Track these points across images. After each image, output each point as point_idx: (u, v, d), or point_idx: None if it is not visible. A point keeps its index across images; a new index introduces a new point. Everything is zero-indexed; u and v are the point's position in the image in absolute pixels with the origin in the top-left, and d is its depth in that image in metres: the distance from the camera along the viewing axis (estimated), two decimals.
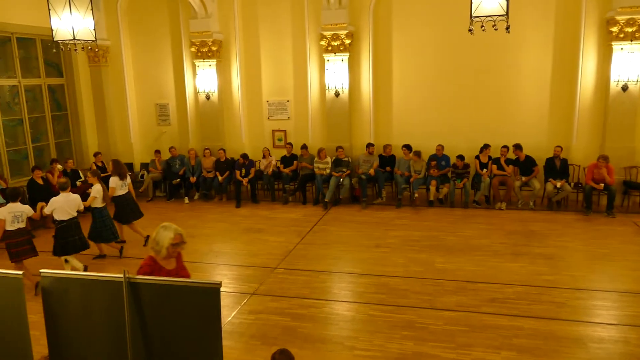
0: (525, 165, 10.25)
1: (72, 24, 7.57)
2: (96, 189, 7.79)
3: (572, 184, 10.21)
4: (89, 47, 8.29)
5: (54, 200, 7.07)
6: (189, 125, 12.60)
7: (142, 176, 12.21)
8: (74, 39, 7.65)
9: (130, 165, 12.69)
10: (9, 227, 6.71)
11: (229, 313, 6.00)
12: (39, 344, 3.64)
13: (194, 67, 12.07)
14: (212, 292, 2.92)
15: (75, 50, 8.35)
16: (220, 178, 11.43)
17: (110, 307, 3.07)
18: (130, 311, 2.99)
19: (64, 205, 7.10)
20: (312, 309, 6.09)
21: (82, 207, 7.39)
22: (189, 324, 3.00)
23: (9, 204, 6.82)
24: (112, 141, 12.86)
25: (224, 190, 11.58)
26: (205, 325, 2.95)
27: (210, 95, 11.99)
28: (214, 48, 11.71)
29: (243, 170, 11.31)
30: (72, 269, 7.07)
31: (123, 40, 12.55)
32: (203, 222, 10.01)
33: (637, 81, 9.80)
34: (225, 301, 6.36)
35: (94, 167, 11.54)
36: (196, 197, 11.80)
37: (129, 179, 8.65)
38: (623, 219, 9.32)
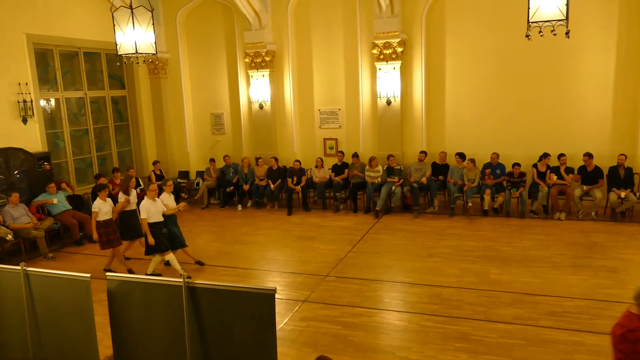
0: (592, 175, 9.80)
1: (134, 38, 7.95)
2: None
3: (638, 194, 9.67)
4: (150, 60, 8.68)
5: (145, 205, 7.51)
6: (243, 134, 12.91)
7: (198, 184, 12.59)
8: (136, 52, 8.03)
9: (186, 173, 13.15)
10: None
11: (281, 320, 6.07)
12: (102, 345, 3.83)
13: (247, 77, 12.37)
14: (267, 298, 2.99)
15: (137, 63, 8.76)
16: (272, 186, 11.63)
17: (170, 310, 3.20)
18: (189, 314, 3.11)
19: (152, 209, 7.52)
20: (363, 317, 6.07)
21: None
22: (245, 329, 3.08)
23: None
24: (170, 150, 13.37)
25: (276, 198, 11.77)
26: (260, 330, 3.02)
27: (263, 104, 12.25)
28: (267, 58, 11.97)
29: (295, 178, 11.46)
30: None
31: (181, 52, 13.05)
32: (255, 230, 10.19)
33: None
34: (277, 308, 6.39)
35: (153, 175, 12.05)
36: (249, 204, 12.05)
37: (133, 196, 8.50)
38: None
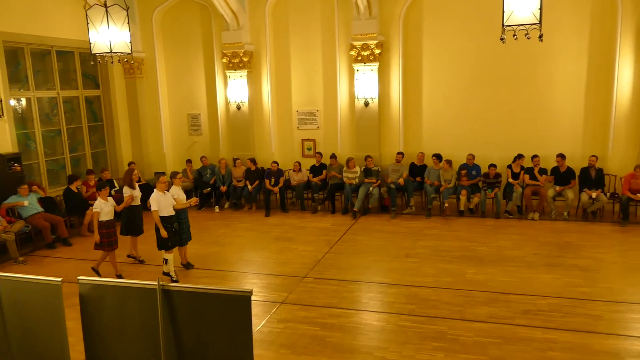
0: (564, 175, 10.02)
1: (109, 37, 7.83)
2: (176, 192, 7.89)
3: (608, 194, 9.93)
4: (125, 60, 8.57)
5: (155, 197, 7.29)
6: (220, 135, 12.81)
7: None
8: (111, 51, 7.90)
9: (162, 175, 12.97)
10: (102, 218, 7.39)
11: (259, 322, 6.04)
12: (74, 350, 3.75)
13: (225, 77, 12.29)
14: (243, 300, 2.96)
15: (112, 62, 8.62)
16: (250, 187, 11.56)
17: (144, 314, 3.15)
18: (164, 318, 3.06)
19: (163, 201, 7.32)
20: (341, 318, 6.08)
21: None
22: (220, 332, 3.05)
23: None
24: (146, 151, 13.18)
25: (253, 199, 11.70)
26: (236, 332, 2.99)
27: (241, 105, 12.18)
28: (245, 59, 11.90)
29: (273, 180, 11.42)
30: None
31: (157, 52, 12.89)
32: (233, 231, 10.12)
33: None
34: (254, 310, 6.40)
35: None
36: (226, 206, 11.96)
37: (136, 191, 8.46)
38: None
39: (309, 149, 12.30)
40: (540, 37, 6.62)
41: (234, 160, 12.04)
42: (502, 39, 6.72)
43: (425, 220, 10.34)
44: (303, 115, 12.26)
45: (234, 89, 12.13)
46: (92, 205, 9.99)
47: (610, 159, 10.31)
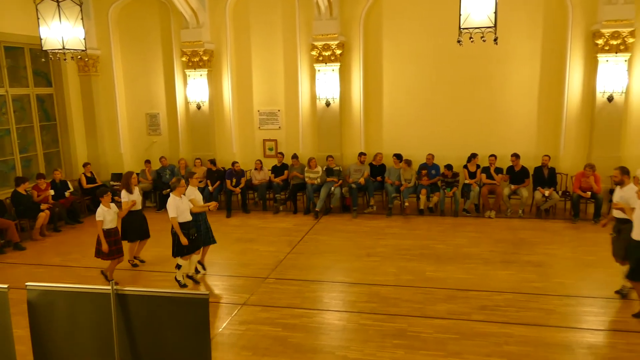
0: (519, 174, 10.34)
1: (61, 33, 7.57)
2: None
3: (560, 192, 10.32)
4: (79, 57, 8.30)
5: (173, 202, 6.89)
6: (180, 135, 12.58)
7: None
8: (64, 48, 7.64)
9: (119, 176, 12.61)
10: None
11: (220, 324, 5.97)
12: (25, 359, 3.60)
13: (185, 76, 12.07)
14: (201, 303, 2.91)
15: (65, 59, 8.34)
16: (211, 188, 11.40)
17: (97, 319, 3.05)
18: (118, 323, 2.97)
19: (181, 206, 6.95)
20: (303, 318, 6.07)
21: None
22: (178, 336, 2.99)
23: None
24: (102, 151, 12.79)
25: (214, 200, 11.52)
26: (194, 336, 2.94)
27: (201, 105, 11.99)
28: (205, 58, 11.73)
29: (234, 180, 11.29)
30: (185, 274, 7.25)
31: (114, 49, 12.53)
32: None
33: (622, 92, 9.96)
34: (215, 312, 6.33)
35: (84, 178, 11.48)
36: None
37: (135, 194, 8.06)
38: (609, 227, 9.39)
39: (271, 149, 12.24)
40: (495, 40, 6.81)
41: (194, 160, 11.84)
42: (459, 41, 6.88)
43: (386, 219, 10.46)
44: (264, 115, 12.18)
45: (194, 88, 11.93)
46: (42, 210, 9.70)
47: (561, 159, 10.72)
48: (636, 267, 5.68)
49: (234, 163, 11.45)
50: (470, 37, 6.83)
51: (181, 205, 6.92)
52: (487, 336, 5.50)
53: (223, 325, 5.95)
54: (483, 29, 6.72)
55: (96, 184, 11.58)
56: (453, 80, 11.05)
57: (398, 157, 10.95)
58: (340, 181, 10.94)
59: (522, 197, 10.23)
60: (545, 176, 10.18)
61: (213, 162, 11.64)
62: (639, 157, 10.01)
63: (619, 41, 9.74)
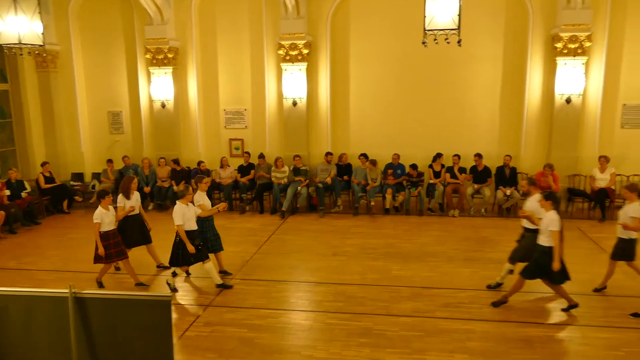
0: (482, 174, 10.57)
1: (17, 27, 7.30)
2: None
3: (521, 191, 10.60)
4: (37, 52, 8.02)
5: (179, 210, 6.63)
6: (144, 133, 12.32)
7: (94, 187, 11.81)
8: (20, 42, 7.37)
9: (80, 175, 12.29)
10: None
11: (184, 326, 5.87)
12: None
13: (149, 74, 11.83)
14: (163, 305, 2.85)
15: (21, 54, 8.05)
16: (175, 188, 11.20)
17: (55, 324, 2.95)
18: (77, 328, 2.88)
19: (187, 214, 6.70)
20: (269, 319, 6.04)
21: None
22: (140, 339, 2.92)
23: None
24: (61, 150, 12.40)
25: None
26: (156, 339, 2.88)
27: (166, 103, 11.78)
28: (170, 55, 11.52)
29: None
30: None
31: (74, 45, 12.17)
32: (157, 233, 9.66)
33: (580, 94, 10.32)
34: (180, 314, 6.23)
35: (42, 178, 11.10)
36: (150, 207, 11.50)
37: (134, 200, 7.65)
38: (567, 224, 9.54)
39: (237, 149, 12.14)
40: (459, 42, 6.94)
41: (159, 159, 11.61)
42: (424, 42, 6.98)
43: (352, 218, 10.52)
44: (230, 114, 12.07)
45: (158, 86, 11.71)
46: None
47: (522, 159, 11.02)
48: (534, 268, 5.99)
49: (199, 162, 11.31)
50: (435, 39, 6.95)
51: (187, 212, 6.70)
52: (451, 333, 5.60)
53: (188, 327, 5.86)
54: (447, 31, 6.85)
55: (55, 184, 11.23)
56: (419, 81, 11.21)
57: (365, 156, 11.03)
58: (307, 181, 10.94)
59: (484, 196, 10.47)
60: (507, 176, 10.45)
61: (177, 161, 11.45)
62: (594, 158, 10.40)
63: (576, 45, 10.08)
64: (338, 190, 11.01)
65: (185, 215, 6.65)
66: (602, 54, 10.35)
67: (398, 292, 6.73)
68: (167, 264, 7.56)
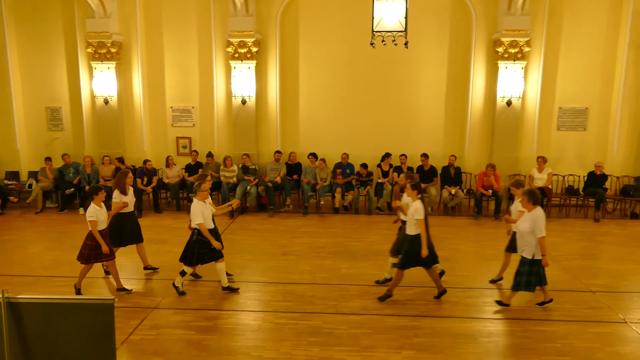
0: (428, 173, 10.84)
1: None
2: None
3: (465, 190, 10.98)
4: None
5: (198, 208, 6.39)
6: (85, 131, 11.83)
7: (31, 186, 11.24)
8: None
9: (16, 174, 11.65)
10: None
11: (129, 330, 5.69)
12: None
13: (90, 69, 11.37)
14: (105, 309, 2.74)
15: None
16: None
17: None
18: (11, 334, 2.73)
19: (205, 212, 6.44)
20: (217, 320, 5.96)
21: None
22: (80, 345, 2.80)
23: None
24: None
25: None
26: (98, 344, 2.77)
27: (109, 99, 11.36)
28: (113, 50, 11.12)
29: (145, 179, 10.82)
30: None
31: (8, 37, 11.51)
32: None
33: (519, 97, 10.80)
34: (124, 317, 6.02)
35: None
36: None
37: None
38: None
39: (185, 147, 11.88)
40: (406, 44, 7.08)
41: (102, 158, 11.18)
42: (372, 44, 7.07)
43: (302, 218, 10.54)
44: (178, 111, 11.80)
45: (101, 82, 11.28)
46: None
47: (466, 159, 11.41)
48: (407, 258, 6.27)
49: (145, 161, 10.98)
50: (383, 40, 7.06)
51: (206, 211, 6.52)
52: (398, 329, 5.71)
53: (132, 330, 5.68)
54: (394, 33, 6.97)
55: None
56: (367, 81, 11.37)
57: (314, 156, 11.07)
58: (257, 180, 10.86)
59: (430, 195, 10.75)
60: (452, 175, 10.78)
61: (121, 160, 11.06)
62: (533, 158, 10.91)
63: (516, 50, 10.53)
64: (287, 189, 10.99)
65: (204, 213, 6.50)
66: (540, 59, 10.88)
67: (347, 291, 6.80)
68: (155, 267, 7.54)
